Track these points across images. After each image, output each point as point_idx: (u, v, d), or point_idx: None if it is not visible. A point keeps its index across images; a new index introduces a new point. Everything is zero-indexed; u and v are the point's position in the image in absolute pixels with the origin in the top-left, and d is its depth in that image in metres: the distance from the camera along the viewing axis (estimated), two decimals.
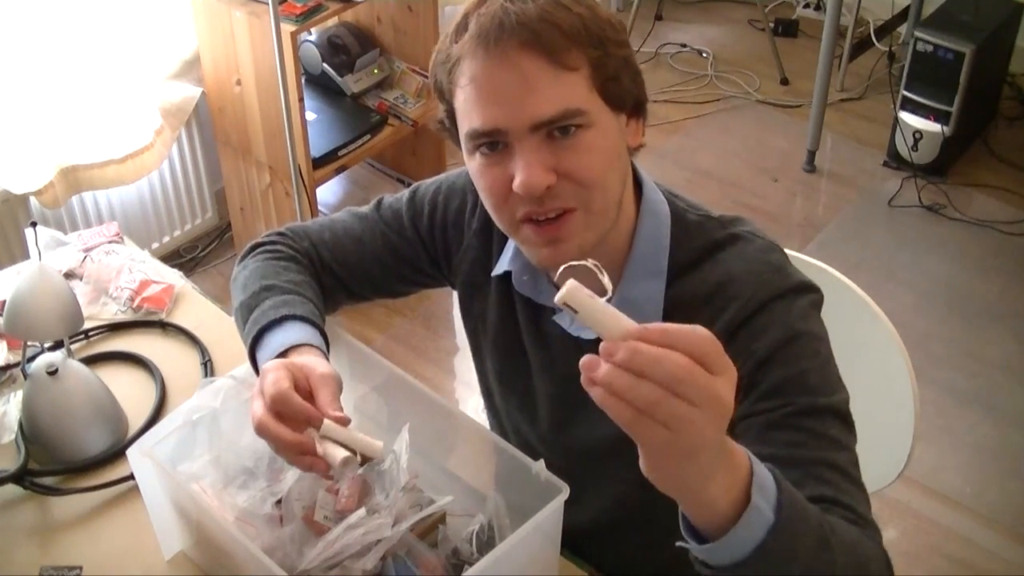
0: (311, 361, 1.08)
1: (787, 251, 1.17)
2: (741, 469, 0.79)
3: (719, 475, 0.77)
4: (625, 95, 1.05)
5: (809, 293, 1.08)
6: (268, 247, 1.29)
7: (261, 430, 1.01)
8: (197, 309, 1.60)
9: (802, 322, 1.05)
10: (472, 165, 1.07)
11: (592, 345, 1.14)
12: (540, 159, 1.00)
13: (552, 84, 0.98)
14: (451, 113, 1.07)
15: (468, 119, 1.03)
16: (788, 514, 0.79)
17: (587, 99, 1.01)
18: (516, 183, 1.01)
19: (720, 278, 1.08)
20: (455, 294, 1.31)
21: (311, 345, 1.12)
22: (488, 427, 1.38)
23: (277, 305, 1.17)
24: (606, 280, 0.77)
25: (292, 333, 1.14)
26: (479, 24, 0.99)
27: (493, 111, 1.00)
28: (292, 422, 1.01)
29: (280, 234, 1.32)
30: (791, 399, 1.01)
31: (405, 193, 1.31)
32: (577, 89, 1.00)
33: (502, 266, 1.21)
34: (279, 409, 1.01)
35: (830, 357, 1.07)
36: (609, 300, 0.74)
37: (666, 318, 1.10)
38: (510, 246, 1.19)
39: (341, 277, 1.30)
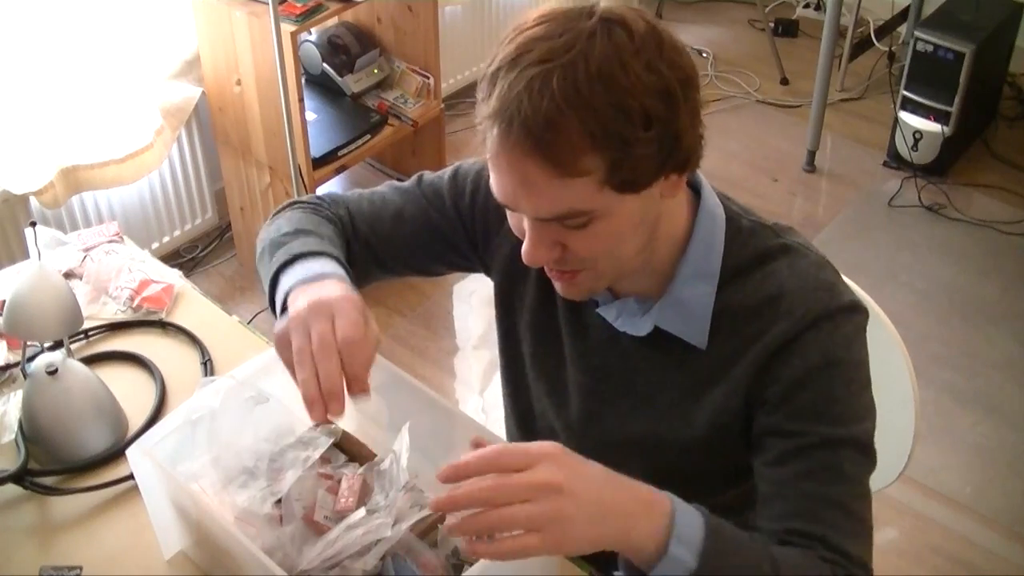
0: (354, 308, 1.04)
1: None
2: (663, 517, 0.89)
3: (639, 522, 0.89)
4: (652, 176, 0.99)
5: (857, 315, 1.09)
6: (305, 203, 1.28)
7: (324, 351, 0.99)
8: (197, 309, 1.60)
9: (844, 348, 1.06)
10: None
11: (634, 341, 1.16)
12: (543, 239, 1.02)
13: (556, 189, 0.95)
14: None
15: (491, 178, 1.03)
16: (714, 562, 0.89)
17: (594, 199, 0.97)
18: (522, 252, 1.03)
19: (772, 291, 1.08)
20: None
21: (344, 282, 1.09)
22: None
23: (315, 244, 1.15)
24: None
25: (328, 266, 1.11)
26: (500, 102, 0.94)
27: (505, 191, 1.00)
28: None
29: (318, 198, 1.30)
30: (813, 427, 1.03)
31: (447, 171, 1.29)
32: (583, 192, 0.96)
33: None
34: (340, 349, 0.99)
35: (865, 384, 1.08)
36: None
37: (715, 321, 1.10)
38: None
39: (375, 248, 1.28)
